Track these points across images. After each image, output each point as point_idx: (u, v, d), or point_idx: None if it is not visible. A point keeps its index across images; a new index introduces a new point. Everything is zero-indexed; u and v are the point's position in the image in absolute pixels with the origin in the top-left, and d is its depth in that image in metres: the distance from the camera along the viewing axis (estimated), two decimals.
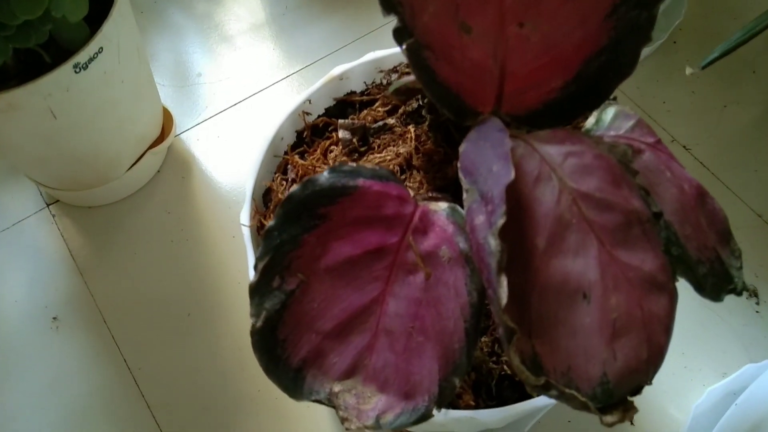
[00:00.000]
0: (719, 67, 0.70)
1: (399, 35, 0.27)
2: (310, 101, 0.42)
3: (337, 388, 0.29)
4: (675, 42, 0.72)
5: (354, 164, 0.30)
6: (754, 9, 0.74)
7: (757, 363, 0.49)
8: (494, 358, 0.34)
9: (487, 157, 0.26)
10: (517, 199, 0.27)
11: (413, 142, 0.39)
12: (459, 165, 0.28)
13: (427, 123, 0.40)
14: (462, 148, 0.28)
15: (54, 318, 0.58)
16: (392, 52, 0.43)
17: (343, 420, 0.28)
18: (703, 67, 0.48)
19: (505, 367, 0.34)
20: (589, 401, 0.25)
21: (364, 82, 0.44)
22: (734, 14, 0.74)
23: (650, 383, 0.26)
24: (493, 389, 0.33)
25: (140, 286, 0.59)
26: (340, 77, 0.42)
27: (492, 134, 0.27)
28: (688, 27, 0.72)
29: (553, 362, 0.25)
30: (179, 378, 0.54)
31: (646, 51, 0.69)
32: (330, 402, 0.29)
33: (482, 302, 0.28)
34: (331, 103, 0.43)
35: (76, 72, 0.46)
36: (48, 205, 0.64)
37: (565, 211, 0.26)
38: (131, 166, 0.60)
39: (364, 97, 0.43)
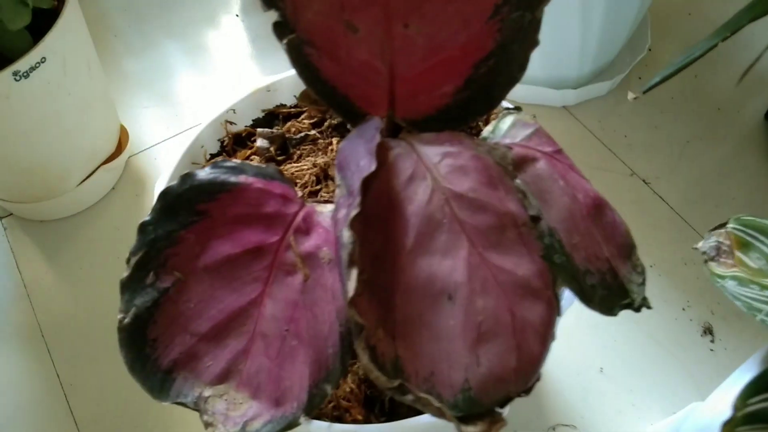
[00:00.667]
0: (684, 103, 0.70)
1: (279, 30, 0.27)
2: (234, 111, 0.41)
3: (207, 392, 0.28)
4: (640, 77, 0.72)
5: (239, 161, 0.29)
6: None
7: (704, 401, 0.47)
8: None
9: (358, 153, 0.26)
10: (388, 198, 0.26)
11: (333, 153, 0.39)
12: (335, 162, 0.27)
13: None
14: (340, 145, 0.27)
15: None
16: None
17: (207, 425, 0.27)
18: (645, 92, 0.48)
19: None
20: (449, 409, 0.23)
21: (294, 95, 0.44)
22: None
23: (525, 394, 0.25)
24: (386, 405, 0.32)
25: (82, 301, 0.58)
26: (267, 89, 0.42)
27: (368, 132, 0.27)
28: (653, 62, 0.72)
29: (415, 366, 0.24)
30: (110, 395, 0.53)
31: (607, 85, 0.69)
32: (196, 406, 0.27)
33: None
34: (260, 114, 0.43)
35: (16, 80, 0.46)
36: (1, 218, 0.64)
37: (436, 210, 0.25)
38: (82, 181, 0.60)
39: (292, 110, 0.43)
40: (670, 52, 0.74)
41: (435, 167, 0.26)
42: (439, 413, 0.23)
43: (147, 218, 0.28)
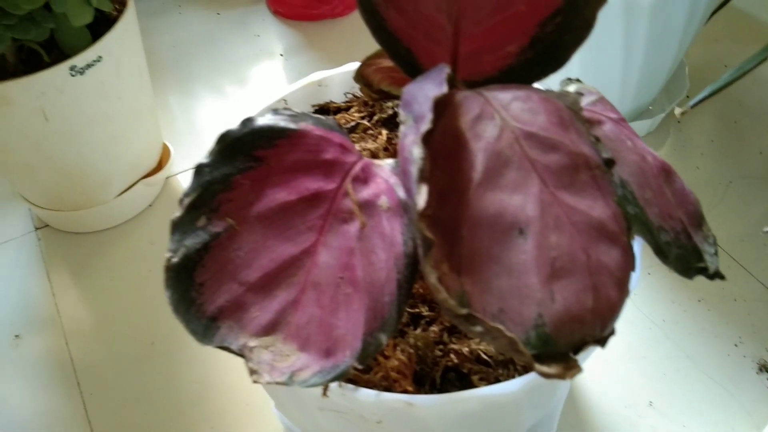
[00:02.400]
0: (724, 147, 0.69)
1: None
2: (285, 101, 0.42)
3: (253, 343, 0.26)
4: (679, 121, 0.72)
5: (298, 111, 0.29)
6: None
7: None
8: (441, 347, 0.30)
9: (426, 88, 0.25)
10: (454, 137, 0.25)
11: (384, 141, 0.39)
12: (400, 104, 0.26)
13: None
14: (405, 88, 0.27)
15: (16, 336, 0.55)
16: None
17: (251, 372, 0.25)
18: (693, 106, 0.48)
19: (452, 356, 0.30)
20: (522, 344, 0.21)
21: (345, 93, 0.44)
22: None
23: (602, 345, 0.23)
24: (437, 382, 0.29)
25: (110, 311, 0.57)
26: (319, 83, 0.43)
27: (434, 73, 0.26)
28: (693, 109, 0.72)
29: (483, 303, 0.22)
30: (131, 407, 0.50)
31: (647, 124, 0.69)
32: (241, 353, 0.25)
33: (417, 253, 0.26)
34: (309, 109, 0.43)
35: (72, 75, 0.48)
36: (36, 229, 0.63)
37: (506, 147, 0.24)
38: (122, 193, 0.60)
39: (342, 105, 0.43)
40: (707, 99, 0.74)
41: (504, 108, 0.25)
42: (511, 346, 0.21)
43: (204, 160, 0.27)
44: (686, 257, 0.26)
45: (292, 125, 0.28)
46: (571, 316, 0.22)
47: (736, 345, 0.54)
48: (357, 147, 0.39)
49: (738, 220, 0.63)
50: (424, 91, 0.25)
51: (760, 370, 0.52)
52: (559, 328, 0.22)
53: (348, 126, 0.40)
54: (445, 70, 0.25)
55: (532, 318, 0.22)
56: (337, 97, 0.44)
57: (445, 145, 0.25)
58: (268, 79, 0.79)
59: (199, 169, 0.27)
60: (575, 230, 0.23)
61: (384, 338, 0.25)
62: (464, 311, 0.21)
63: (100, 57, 0.49)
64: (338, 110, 0.43)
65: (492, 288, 0.22)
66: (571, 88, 0.31)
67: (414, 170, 0.22)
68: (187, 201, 0.27)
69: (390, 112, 0.41)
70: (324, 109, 0.43)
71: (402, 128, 0.25)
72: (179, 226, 0.27)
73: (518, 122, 0.25)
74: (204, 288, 0.26)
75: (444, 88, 0.23)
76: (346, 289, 0.26)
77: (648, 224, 0.26)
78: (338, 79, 0.43)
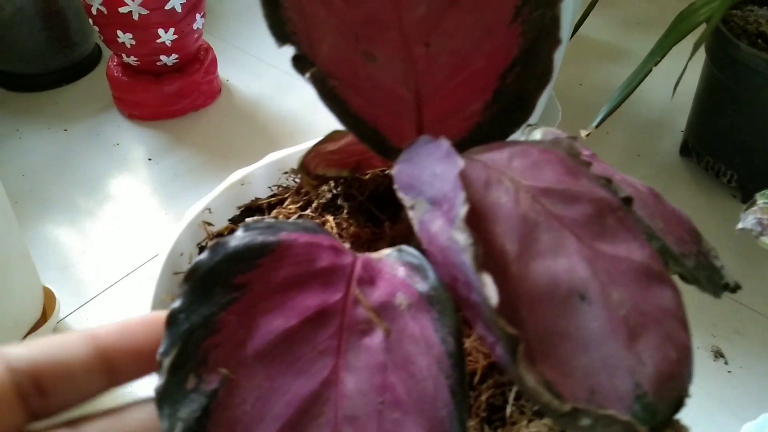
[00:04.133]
0: (607, 154, 0.74)
1: (299, 64, 0.24)
2: (209, 210, 0.37)
3: None
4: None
5: (272, 219, 0.25)
6: None
7: (754, 420, 0.45)
8: None
9: (426, 165, 0.22)
10: (471, 210, 0.23)
11: (334, 229, 0.35)
12: (396, 187, 0.23)
13: (345, 211, 0.36)
14: (394, 170, 0.24)
15: None
16: (293, 150, 0.40)
17: None
18: (596, 126, 0.50)
19: None
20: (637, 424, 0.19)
21: (269, 187, 0.40)
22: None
23: (688, 395, 0.21)
24: None
25: None
26: (241, 182, 0.38)
27: (424, 146, 0.24)
28: (566, 127, 0.77)
29: (570, 388, 0.19)
30: None
31: None
32: None
33: (461, 349, 0.23)
34: (235, 212, 0.39)
35: None
36: None
37: (528, 209, 0.22)
38: None
39: (272, 200, 0.39)
40: (574, 117, 0.79)
41: (507, 168, 0.23)
42: (626, 429, 0.18)
43: (176, 304, 0.22)
44: (713, 278, 0.26)
45: (271, 238, 0.24)
46: (665, 375, 0.20)
47: None
48: None
49: None
50: (429, 169, 0.22)
51: (716, 356, 0.55)
52: (660, 392, 0.20)
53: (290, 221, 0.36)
54: (443, 141, 0.22)
55: (631, 390, 0.19)
56: (262, 193, 0.40)
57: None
58: (140, 187, 0.72)
59: (173, 318, 0.22)
60: (629, 280, 0.22)
61: None
62: (568, 407, 0.18)
63: None
64: (270, 206, 0.38)
65: (574, 369, 0.20)
66: (537, 133, 0.30)
67: (468, 259, 0.19)
68: (166, 362, 0.22)
69: (328, 195, 0.38)
70: (252, 209, 0.39)
71: (414, 215, 0.22)
72: (166, 396, 0.21)
73: (529, 180, 0.23)
74: None
75: (459, 161, 0.20)
76: (392, 414, 0.22)
77: (673, 255, 0.25)
78: (260, 173, 0.39)
